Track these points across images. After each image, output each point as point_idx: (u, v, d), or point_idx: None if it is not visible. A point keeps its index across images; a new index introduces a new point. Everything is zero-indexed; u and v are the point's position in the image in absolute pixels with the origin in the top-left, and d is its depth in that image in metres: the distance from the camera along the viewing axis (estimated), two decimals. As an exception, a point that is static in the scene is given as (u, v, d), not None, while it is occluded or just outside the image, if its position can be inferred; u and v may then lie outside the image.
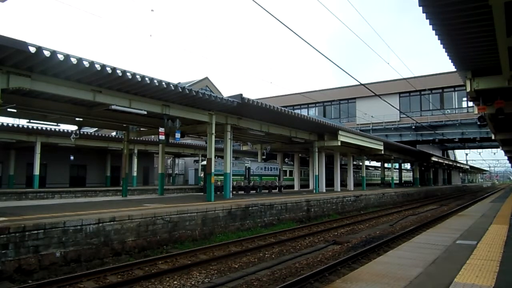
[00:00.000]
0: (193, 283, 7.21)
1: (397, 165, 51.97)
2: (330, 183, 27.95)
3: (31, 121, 13.97)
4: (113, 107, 11.22)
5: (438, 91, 37.48)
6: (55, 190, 25.56)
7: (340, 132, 22.20)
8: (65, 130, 23.46)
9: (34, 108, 11.88)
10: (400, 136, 38.13)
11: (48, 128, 23.57)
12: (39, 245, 7.44)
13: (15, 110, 12.02)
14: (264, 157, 26.37)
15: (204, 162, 24.17)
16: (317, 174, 23.87)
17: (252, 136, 20.68)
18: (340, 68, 12.81)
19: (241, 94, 13.97)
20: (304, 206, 16.84)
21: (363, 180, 32.14)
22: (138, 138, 28.58)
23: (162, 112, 12.76)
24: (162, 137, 14.33)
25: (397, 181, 52.37)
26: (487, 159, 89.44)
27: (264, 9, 8.31)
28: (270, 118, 17.93)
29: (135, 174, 32.94)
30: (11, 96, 10.30)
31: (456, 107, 37.12)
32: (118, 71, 9.76)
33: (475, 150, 64.66)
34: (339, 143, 22.32)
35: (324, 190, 24.67)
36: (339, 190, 26.84)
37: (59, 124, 15.48)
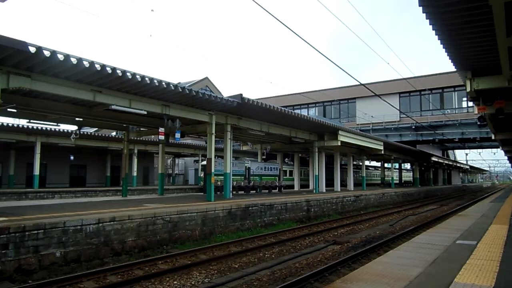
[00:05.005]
0: (193, 283, 7.21)
1: (397, 165, 51.95)
2: (330, 183, 27.95)
3: (31, 121, 13.97)
4: (113, 107, 11.22)
5: (438, 91, 37.48)
6: (55, 190, 25.56)
7: (340, 132, 22.20)
8: (65, 130, 23.45)
9: (34, 108, 11.87)
10: (400, 136, 38.12)
11: (48, 128, 23.58)
12: (39, 245, 7.44)
13: (15, 110, 12.02)
14: (264, 157, 26.36)
15: (204, 162, 24.17)
16: (317, 174, 23.87)
17: (252, 136, 20.68)
18: (340, 68, 12.82)
19: (241, 94, 13.97)
20: (304, 206, 16.84)
21: (363, 180, 32.14)
22: (138, 138, 28.57)
23: (162, 112, 12.76)
24: (162, 137, 14.34)
25: (397, 181, 52.35)
26: (487, 159, 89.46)
27: (264, 9, 8.32)
28: (270, 118, 17.93)
29: (135, 174, 32.93)
30: (11, 96, 10.29)
31: (456, 107, 37.12)
32: (118, 71, 9.76)
33: (475, 150, 64.70)
34: (339, 143, 22.32)
35: (324, 190, 24.66)
36: (339, 190, 26.84)
37: (59, 124, 15.49)
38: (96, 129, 31.94)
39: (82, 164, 32.90)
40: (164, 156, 19.83)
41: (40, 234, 7.48)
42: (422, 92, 36.91)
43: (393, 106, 31.29)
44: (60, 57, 8.51)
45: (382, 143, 28.46)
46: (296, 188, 29.67)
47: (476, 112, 14.04)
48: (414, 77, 32.33)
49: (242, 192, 21.49)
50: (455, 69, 11.54)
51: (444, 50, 9.38)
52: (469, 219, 11.58)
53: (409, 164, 53.45)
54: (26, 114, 13.13)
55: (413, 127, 36.80)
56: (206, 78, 46.60)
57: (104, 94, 10.91)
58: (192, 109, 13.94)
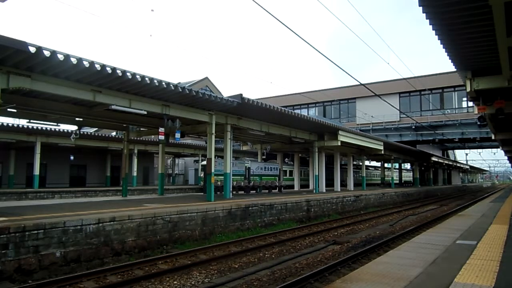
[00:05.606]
0: (193, 283, 7.21)
1: (397, 165, 51.95)
2: (330, 183, 27.94)
3: (31, 121, 13.98)
4: (113, 107, 11.22)
5: (438, 91, 37.49)
6: (55, 190, 25.56)
7: (340, 132, 22.21)
8: (65, 130, 23.45)
9: (34, 108, 11.88)
10: (400, 136, 38.12)
11: (48, 128, 23.58)
12: (39, 245, 7.44)
13: (15, 110, 12.01)
14: (264, 157, 26.36)
15: (204, 162, 24.17)
16: (317, 174, 23.87)
17: (252, 136, 20.68)
18: (340, 68, 12.83)
19: (241, 94, 13.97)
20: (304, 206, 16.84)
21: (363, 180, 32.14)
22: (138, 138, 28.57)
23: (162, 112, 12.76)
24: (162, 137, 14.33)
25: (397, 181, 52.35)
26: (487, 159, 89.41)
27: (264, 9, 8.32)
28: (270, 118, 17.93)
29: (135, 174, 32.93)
30: (11, 96, 10.29)
31: (456, 107, 37.12)
32: (118, 71, 9.76)
33: (475, 150, 64.73)
34: (339, 143, 22.32)
35: (324, 190, 24.66)
36: (339, 190, 26.84)
37: (59, 124, 15.49)
38: (96, 129, 31.93)
39: (82, 164, 32.90)
40: (164, 156, 19.83)
41: (40, 234, 7.48)
42: (422, 92, 36.91)
43: (393, 106, 31.30)
44: (60, 57, 8.51)
45: (382, 143, 28.47)
46: (296, 188, 29.67)
47: (476, 112, 14.05)
48: (414, 77, 32.34)
49: (242, 192, 21.49)
50: (455, 69, 11.54)
51: (444, 50, 9.38)
52: (469, 219, 11.58)
53: (409, 164, 53.45)
54: (26, 114, 13.13)
55: (413, 127, 36.80)
56: (206, 78, 46.58)
57: (104, 94, 10.91)
58: (192, 109, 13.94)
